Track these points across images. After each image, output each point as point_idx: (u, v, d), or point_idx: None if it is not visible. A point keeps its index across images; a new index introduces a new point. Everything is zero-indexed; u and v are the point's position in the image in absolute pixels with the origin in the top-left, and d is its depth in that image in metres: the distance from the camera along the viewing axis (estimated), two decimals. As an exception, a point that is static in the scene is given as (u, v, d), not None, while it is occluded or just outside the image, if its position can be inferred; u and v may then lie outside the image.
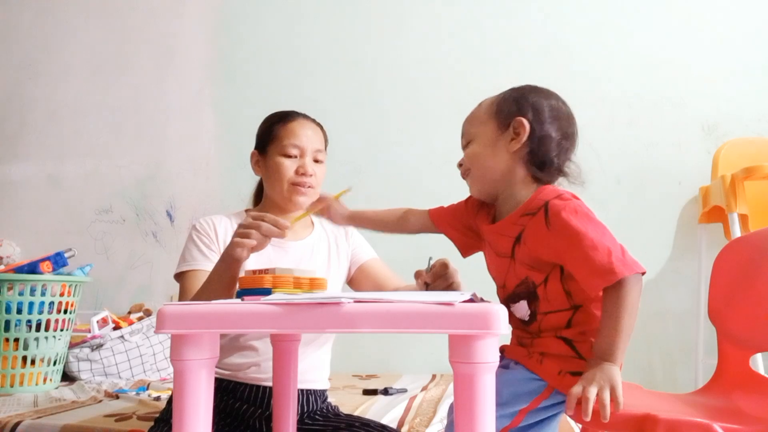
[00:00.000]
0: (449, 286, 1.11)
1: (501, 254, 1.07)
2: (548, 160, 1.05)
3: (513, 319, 1.08)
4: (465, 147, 1.11)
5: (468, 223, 1.16)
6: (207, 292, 1.15)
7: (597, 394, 0.89)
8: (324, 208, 1.25)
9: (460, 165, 1.12)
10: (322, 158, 1.41)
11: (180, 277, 1.32)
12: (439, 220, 1.20)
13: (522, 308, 1.04)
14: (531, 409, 0.99)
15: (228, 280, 1.13)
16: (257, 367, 1.30)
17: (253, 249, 1.11)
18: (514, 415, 0.98)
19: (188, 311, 0.75)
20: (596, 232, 0.95)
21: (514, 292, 1.05)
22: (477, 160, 1.08)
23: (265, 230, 1.10)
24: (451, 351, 0.70)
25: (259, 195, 1.50)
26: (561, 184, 1.08)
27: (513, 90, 1.11)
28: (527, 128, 1.04)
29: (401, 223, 1.24)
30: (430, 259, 1.12)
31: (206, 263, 1.29)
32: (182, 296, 1.29)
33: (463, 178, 1.13)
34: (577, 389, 0.90)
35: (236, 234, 1.12)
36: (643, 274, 0.94)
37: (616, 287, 0.93)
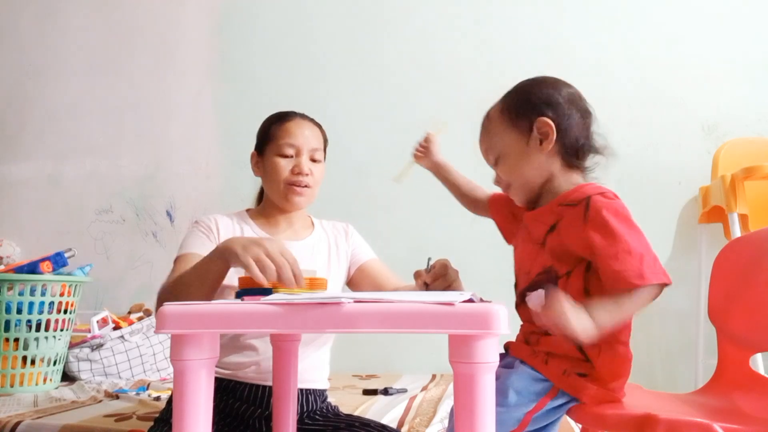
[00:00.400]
0: (449, 286, 1.10)
1: (533, 240, 1.07)
2: (580, 145, 1.06)
3: (525, 311, 1.07)
4: (495, 164, 1.11)
5: (513, 210, 1.18)
6: (190, 273, 1.12)
7: (546, 312, 0.89)
8: (425, 152, 1.36)
9: (497, 183, 1.13)
10: (319, 158, 1.40)
11: (174, 262, 1.30)
12: (493, 205, 1.23)
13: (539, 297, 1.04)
14: (537, 410, 0.98)
15: (208, 271, 1.09)
16: (257, 366, 1.29)
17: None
18: (521, 419, 0.98)
19: (188, 311, 0.75)
20: (632, 237, 0.95)
21: (535, 279, 1.05)
22: (515, 173, 1.08)
23: (284, 278, 0.95)
24: (451, 351, 0.70)
25: (262, 196, 1.50)
26: (593, 176, 1.08)
27: (516, 92, 1.10)
28: (553, 126, 1.04)
29: (468, 193, 1.30)
30: (429, 259, 1.12)
31: (201, 248, 1.25)
32: (170, 276, 1.24)
33: (505, 192, 1.14)
34: (540, 293, 0.92)
35: (255, 257, 0.95)
36: (668, 285, 0.94)
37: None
